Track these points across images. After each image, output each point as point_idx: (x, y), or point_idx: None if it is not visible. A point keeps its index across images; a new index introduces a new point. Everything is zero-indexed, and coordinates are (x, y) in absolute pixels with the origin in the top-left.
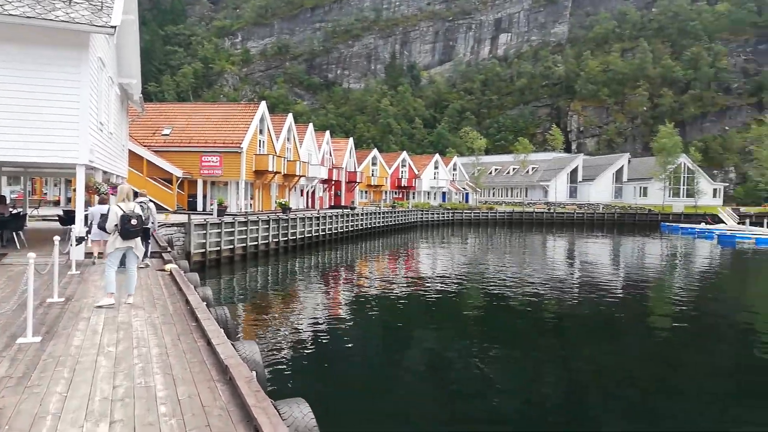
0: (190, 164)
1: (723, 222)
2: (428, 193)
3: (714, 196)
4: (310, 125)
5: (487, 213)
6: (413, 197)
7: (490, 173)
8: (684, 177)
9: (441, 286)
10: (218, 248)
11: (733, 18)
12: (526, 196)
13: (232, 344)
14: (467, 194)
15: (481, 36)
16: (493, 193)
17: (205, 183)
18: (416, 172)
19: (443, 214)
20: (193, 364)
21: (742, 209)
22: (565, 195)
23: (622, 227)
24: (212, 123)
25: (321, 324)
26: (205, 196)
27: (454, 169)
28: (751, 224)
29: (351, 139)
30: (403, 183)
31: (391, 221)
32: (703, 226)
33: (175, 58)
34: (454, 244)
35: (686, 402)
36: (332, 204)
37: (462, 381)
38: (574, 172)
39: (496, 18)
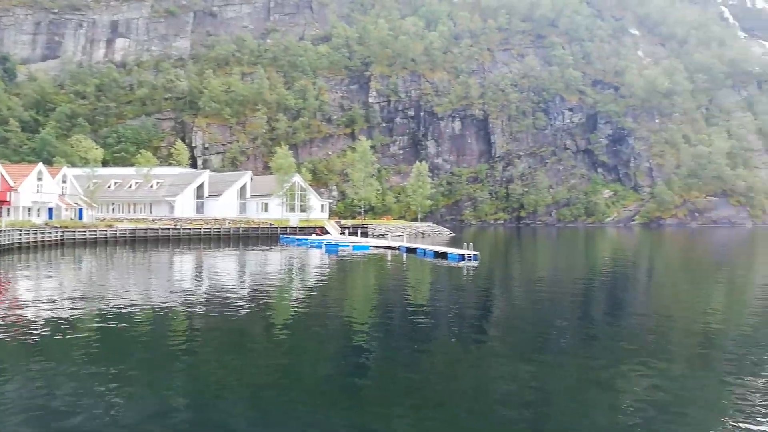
0: None
1: (329, 233)
2: (30, 209)
3: (322, 210)
4: None
5: (106, 231)
6: (8, 214)
7: (109, 187)
8: (298, 194)
9: (48, 319)
10: None
11: (331, 59)
12: (151, 212)
13: None
14: (81, 210)
15: (94, 36)
16: (113, 209)
17: None
18: (12, 184)
19: (51, 233)
20: None
21: (343, 222)
22: (192, 210)
23: (247, 240)
24: None
25: None
26: None
27: (64, 182)
28: (350, 234)
29: None
30: None
31: None
32: (313, 237)
33: None
34: (66, 268)
35: (300, 405)
36: None
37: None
38: (200, 187)
39: (112, 20)
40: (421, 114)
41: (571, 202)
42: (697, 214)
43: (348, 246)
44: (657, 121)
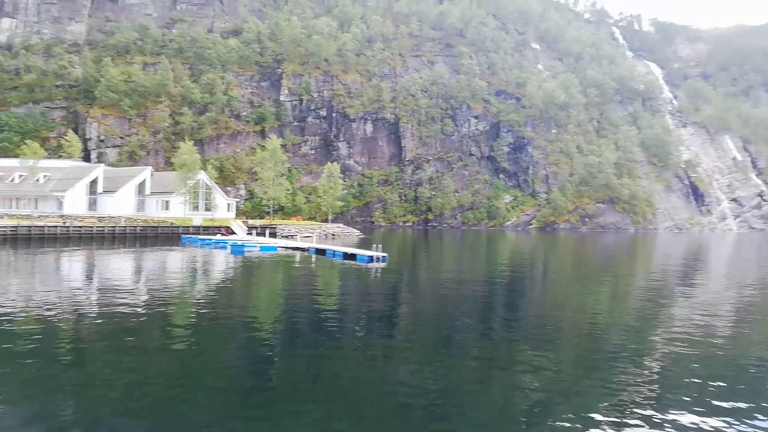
0: None
1: (235, 233)
2: None
3: (228, 210)
4: None
5: None
6: None
7: None
8: (202, 192)
9: None
10: None
11: (241, 54)
12: (37, 208)
13: None
14: None
15: None
16: None
17: None
18: None
19: None
20: None
21: (250, 222)
22: (85, 207)
23: (146, 240)
24: None
25: None
26: None
27: None
28: (257, 234)
29: None
30: None
31: None
32: (218, 237)
33: None
34: None
35: (200, 414)
36: None
37: None
38: (94, 183)
39: None
40: (334, 115)
41: (475, 206)
42: (587, 220)
43: (255, 247)
44: (554, 131)
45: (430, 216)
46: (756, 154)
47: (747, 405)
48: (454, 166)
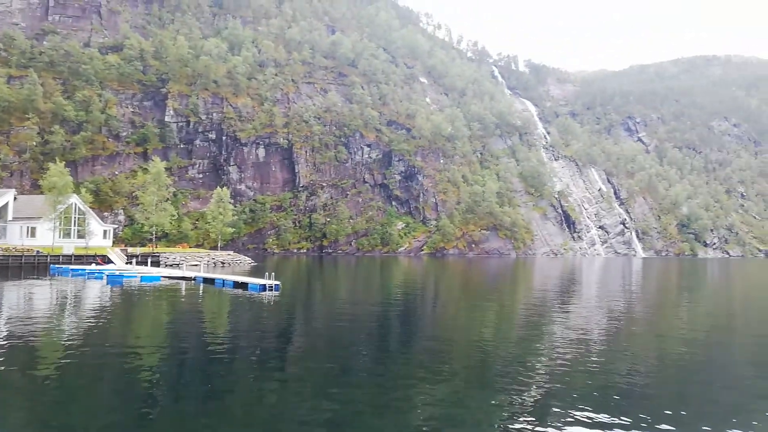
0: None
1: (113, 262)
2: None
3: (104, 237)
4: None
5: None
6: None
7: None
8: (75, 218)
9: None
10: None
11: (122, 71)
12: None
13: None
14: None
15: None
16: None
17: None
18: None
19: None
20: None
21: (130, 249)
22: None
23: (7, 271)
24: None
25: None
26: None
27: None
28: (138, 263)
29: None
30: None
31: None
32: (93, 266)
33: None
34: None
35: None
36: None
37: None
38: None
39: None
40: (224, 138)
41: (369, 233)
42: (473, 245)
43: (135, 277)
44: (442, 161)
45: (325, 242)
46: (618, 186)
47: (622, 413)
48: (348, 192)
